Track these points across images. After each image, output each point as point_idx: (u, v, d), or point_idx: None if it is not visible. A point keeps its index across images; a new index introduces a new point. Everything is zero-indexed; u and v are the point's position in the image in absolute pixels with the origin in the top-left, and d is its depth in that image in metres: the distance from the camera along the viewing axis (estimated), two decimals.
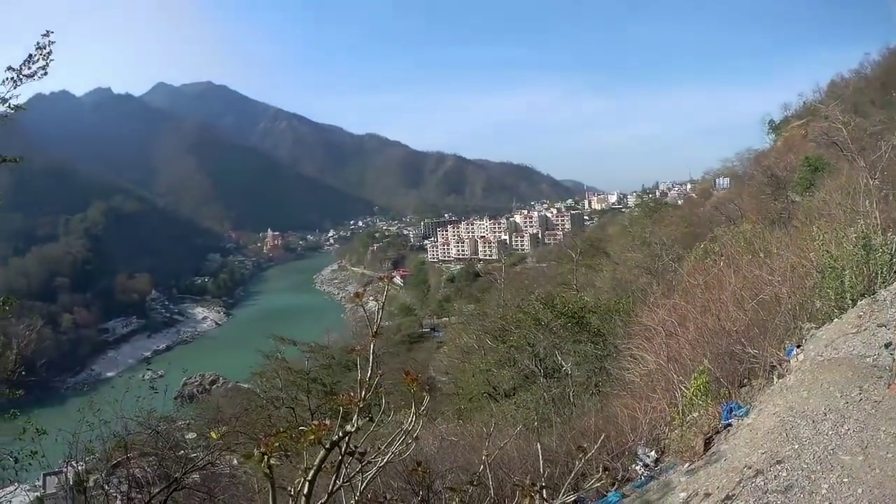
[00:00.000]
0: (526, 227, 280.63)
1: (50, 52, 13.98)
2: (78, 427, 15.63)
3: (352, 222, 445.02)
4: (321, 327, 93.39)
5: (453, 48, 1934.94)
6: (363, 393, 5.08)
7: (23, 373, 14.70)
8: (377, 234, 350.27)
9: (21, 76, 14.04)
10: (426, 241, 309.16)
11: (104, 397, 17.87)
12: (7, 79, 14.09)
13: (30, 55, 13.99)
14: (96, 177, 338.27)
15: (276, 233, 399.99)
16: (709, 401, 16.19)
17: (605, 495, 14.84)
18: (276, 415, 45.13)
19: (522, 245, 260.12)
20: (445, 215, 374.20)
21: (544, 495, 5.98)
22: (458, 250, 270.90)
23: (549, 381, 34.99)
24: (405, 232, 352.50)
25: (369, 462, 5.17)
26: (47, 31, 14.11)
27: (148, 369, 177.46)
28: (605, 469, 13.41)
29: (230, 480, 24.79)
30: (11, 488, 16.67)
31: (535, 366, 36.95)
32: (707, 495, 12.03)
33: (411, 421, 5.36)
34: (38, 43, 14.02)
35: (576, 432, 19.74)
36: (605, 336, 34.55)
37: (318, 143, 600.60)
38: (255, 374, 58.49)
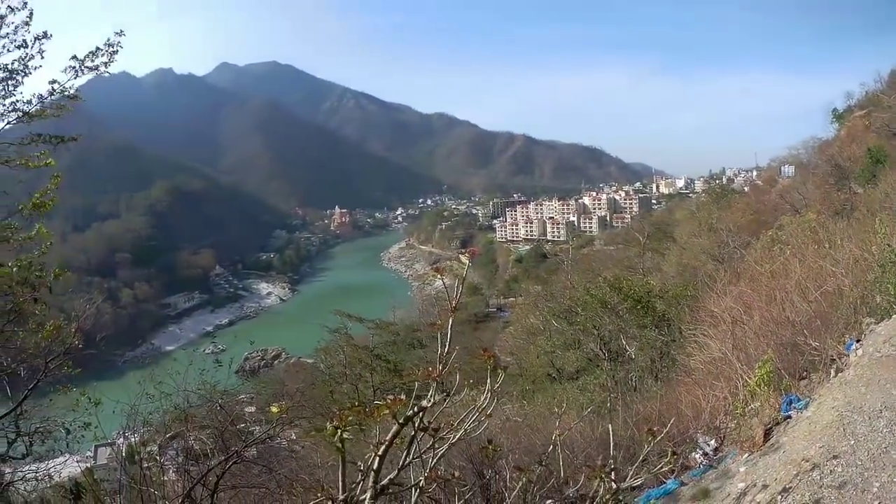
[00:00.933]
0: (594, 209, 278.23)
1: (117, 52, 14.35)
2: (137, 399, 15.93)
3: (420, 201, 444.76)
4: (387, 304, 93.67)
5: (524, 28, 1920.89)
6: (441, 368, 5.10)
7: (80, 346, 14.83)
8: (446, 213, 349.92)
9: (83, 67, 14.43)
10: (495, 221, 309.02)
11: (163, 370, 18.19)
12: (69, 67, 14.51)
13: (96, 48, 14.34)
14: (159, 156, 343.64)
15: (344, 210, 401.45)
16: (770, 391, 16.12)
17: (664, 482, 14.93)
18: (339, 390, 45.63)
19: (591, 227, 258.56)
20: (514, 195, 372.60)
21: (612, 477, 5.96)
22: (527, 231, 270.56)
23: (612, 364, 34.95)
24: (474, 211, 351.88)
25: (441, 438, 5.25)
26: (121, 31, 14.49)
27: (213, 342, 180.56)
28: (674, 454, 13.58)
29: (289, 454, 25.08)
30: (62, 459, 17.01)
31: (600, 349, 36.88)
32: (765, 486, 12.01)
33: (486, 398, 5.38)
34: (108, 39, 14.37)
35: (639, 417, 19.72)
36: (670, 321, 34.34)
37: (386, 122, 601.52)
38: (319, 349, 59.12)
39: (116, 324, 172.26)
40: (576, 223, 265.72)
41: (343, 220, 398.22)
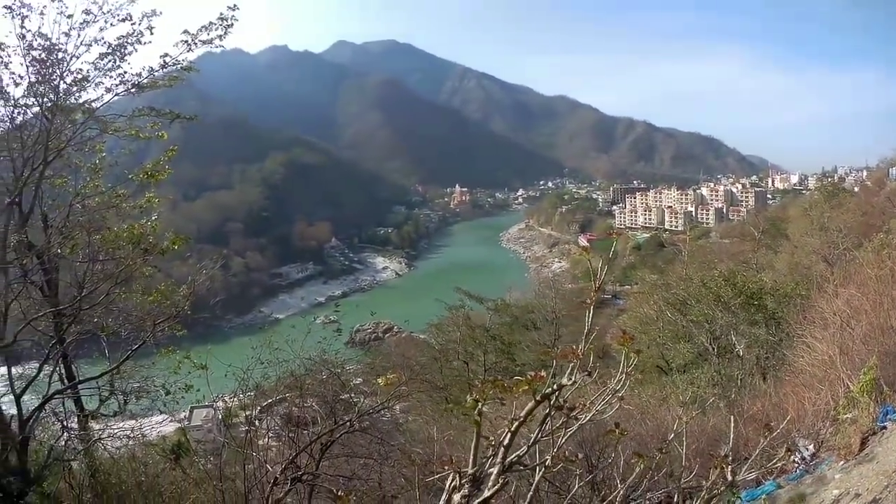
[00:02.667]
0: (711, 200, 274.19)
1: (231, 25, 14.78)
2: (242, 363, 16.15)
3: (541, 183, 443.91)
4: (503, 284, 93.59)
5: (643, 13, 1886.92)
6: (584, 346, 5.21)
7: (188, 311, 15.30)
8: (566, 196, 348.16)
9: (196, 41, 14.92)
10: (614, 207, 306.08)
11: (271, 337, 18.48)
12: (181, 41, 15.03)
13: (210, 23, 14.81)
14: (274, 130, 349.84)
15: (465, 189, 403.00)
16: (870, 400, 15.84)
17: (762, 483, 14.85)
18: (449, 367, 46.04)
19: (707, 219, 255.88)
20: (634, 182, 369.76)
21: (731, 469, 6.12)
22: (645, 218, 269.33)
23: (720, 360, 34.60)
24: (594, 196, 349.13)
25: (574, 418, 5.31)
26: (234, 5, 14.93)
27: (336, 310, 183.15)
28: (789, 450, 13.48)
29: (395, 428, 25.31)
30: (159, 418, 17.47)
31: (710, 343, 36.42)
32: (857, 496, 11.86)
33: (619, 380, 5.47)
34: (221, 14, 14.83)
35: (747, 416, 19.56)
36: (780, 320, 33.79)
37: (507, 103, 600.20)
38: (432, 325, 59.63)
39: (226, 291, 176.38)
40: (693, 214, 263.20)
41: (463, 198, 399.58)
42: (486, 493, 5.07)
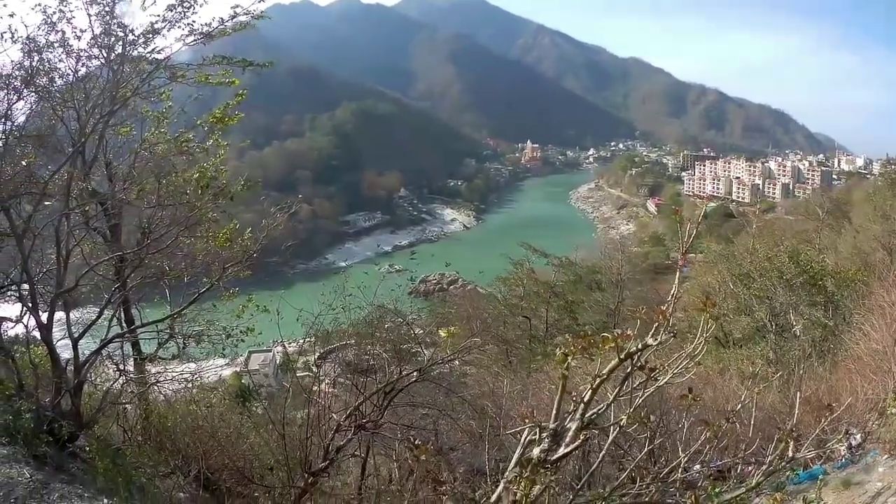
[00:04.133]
0: (778, 175, 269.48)
1: None
2: (320, 309, 16.14)
3: (612, 144, 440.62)
4: (570, 243, 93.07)
5: None
6: (671, 307, 5.30)
7: (255, 255, 15.39)
8: (636, 159, 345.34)
9: None
10: (683, 174, 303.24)
11: (344, 282, 18.43)
12: None
13: None
14: (346, 81, 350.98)
15: (536, 145, 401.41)
16: None
17: (810, 467, 14.73)
18: (512, 323, 46.15)
19: (774, 193, 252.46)
20: (704, 150, 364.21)
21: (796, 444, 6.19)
22: (714, 187, 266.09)
23: (777, 338, 34.19)
24: (664, 161, 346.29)
25: (653, 379, 5.38)
26: None
27: (412, 257, 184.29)
28: (847, 432, 13.38)
29: (458, 380, 25.31)
30: (217, 362, 17.66)
31: (769, 320, 36.02)
32: None
33: (697, 344, 5.53)
34: None
35: (802, 398, 19.37)
36: (838, 304, 33.35)
37: (581, 63, 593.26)
38: (499, 279, 59.72)
39: (293, 237, 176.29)
40: (760, 187, 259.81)
41: (534, 154, 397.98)
42: (565, 449, 5.28)
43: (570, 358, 4.87)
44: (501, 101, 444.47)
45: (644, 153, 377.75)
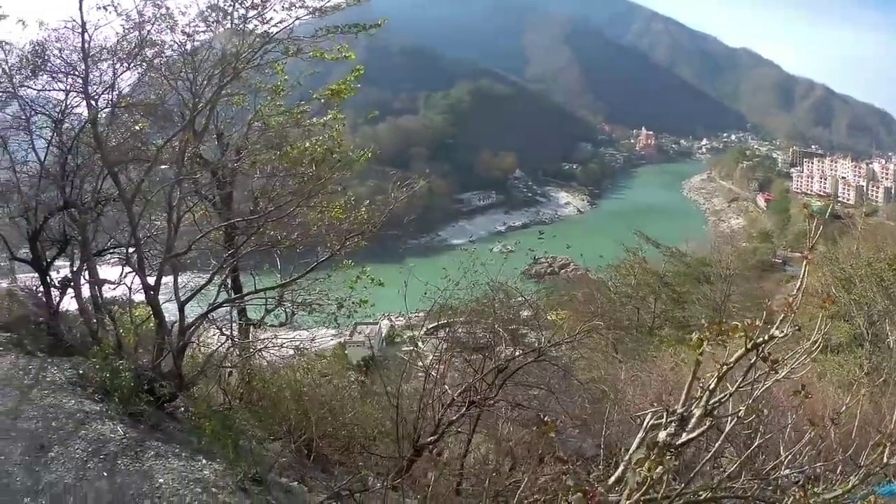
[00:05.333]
0: (882, 178, 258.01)
1: None
2: (417, 284, 15.66)
3: (724, 135, 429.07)
4: (680, 233, 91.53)
5: None
6: (797, 301, 5.15)
7: (373, 228, 15.20)
8: (748, 152, 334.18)
9: None
10: (792, 170, 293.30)
11: (447, 261, 18.11)
12: None
13: None
14: (460, 60, 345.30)
15: (650, 132, 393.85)
16: None
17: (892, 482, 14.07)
18: (621, 311, 45.64)
19: (877, 196, 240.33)
20: (811, 146, 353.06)
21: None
22: (820, 186, 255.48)
23: (871, 348, 33.05)
24: (773, 155, 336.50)
25: (773, 371, 5.26)
26: None
27: (540, 238, 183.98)
28: None
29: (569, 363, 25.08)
30: (327, 331, 17.65)
31: (865, 328, 34.70)
32: None
33: (814, 340, 5.38)
34: None
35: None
36: None
37: (693, 51, 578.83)
38: (612, 266, 59.02)
39: (408, 212, 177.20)
40: (864, 189, 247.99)
41: (648, 142, 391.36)
42: (687, 436, 5.23)
43: (705, 343, 4.81)
44: (616, 87, 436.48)
45: (755, 146, 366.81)
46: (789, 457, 6.30)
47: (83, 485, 9.15)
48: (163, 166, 14.78)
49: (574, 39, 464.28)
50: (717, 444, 6.08)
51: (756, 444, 6.81)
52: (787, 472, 6.14)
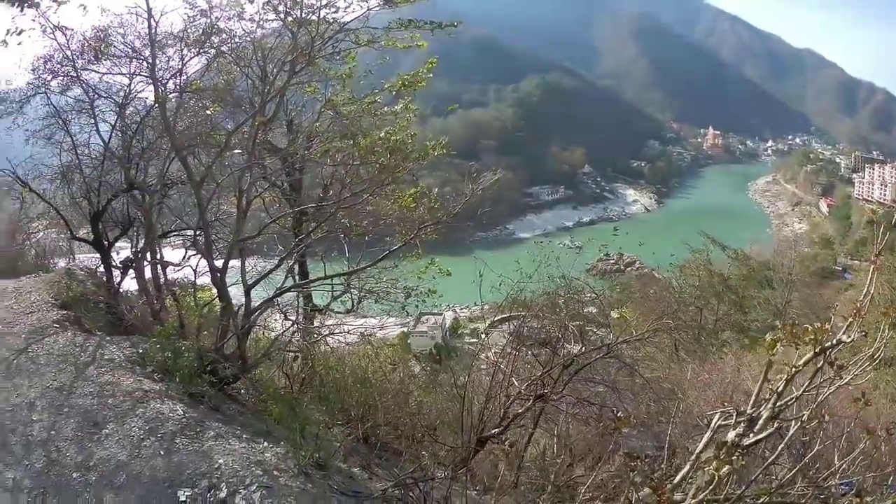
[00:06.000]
0: None
1: None
2: (484, 276, 15.02)
3: (789, 137, 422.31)
4: (744, 236, 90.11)
5: None
6: (865, 306, 5.20)
7: (451, 217, 15.08)
8: (811, 156, 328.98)
9: None
10: (854, 175, 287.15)
11: (514, 254, 17.94)
12: None
13: None
14: (528, 54, 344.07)
15: (717, 132, 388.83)
16: None
17: None
18: (685, 311, 45.06)
19: None
20: (873, 152, 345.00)
21: None
22: (881, 193, 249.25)
23: None
24: (837, 160, 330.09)
25: (839, 376, 5.28)
26: None
27: (614, 234, 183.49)
28: None
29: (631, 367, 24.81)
30: (391, 320, 17.63)
31: None
32: None
33: (877, 347, 5.38)
34: None
35: None
36: None
37: (759, 50, 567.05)
38: (677, 266, 58.42)
39: (479, 205, 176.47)
40: None
41: (716, 141, 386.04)
42: (754, 437, 5.37)
43: (778, 345, 4.94)
44: (684, 84, 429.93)
45: (818, 150, 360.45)
46: (843, 466, 6.27)
47: (137, 462, 9.13)
48: (234, 151, 14.82)
49: (643, 35, 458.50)
50: (779, 448, 5.93)
51: (815, 450, 6.73)
52: (837, 482, 6.09)
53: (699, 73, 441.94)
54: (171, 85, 14.56)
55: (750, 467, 5.80)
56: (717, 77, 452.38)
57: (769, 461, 5.98)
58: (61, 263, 21.11)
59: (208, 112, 15.27)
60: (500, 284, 15.30)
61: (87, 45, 15.22)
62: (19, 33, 12.71)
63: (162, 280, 15.97)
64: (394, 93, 17.40)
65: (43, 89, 16.67)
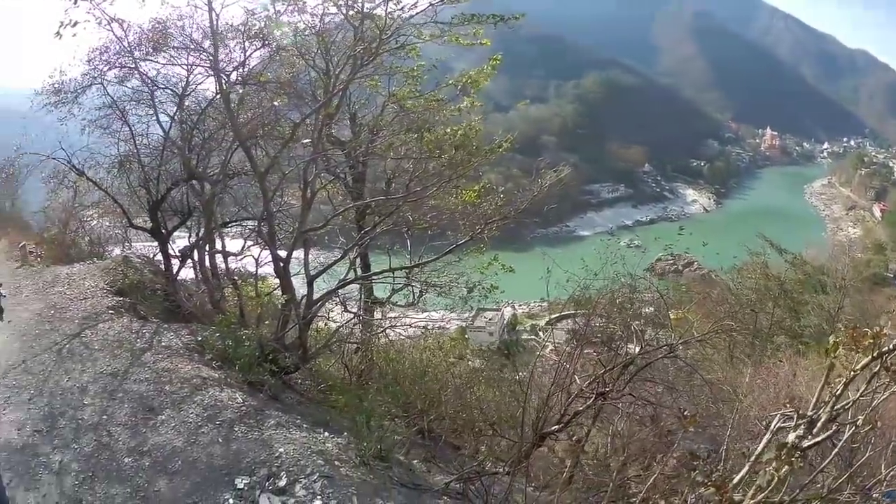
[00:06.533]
0: None
1: None
2: (546, 273, 15.36)
3: (844, 139, 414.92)
4: (799, 239, 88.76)
5: None
6: None
7: (518, 213, 15.15)
8: (866, 159, 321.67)
9: None
10: None
11: (575, 252, 17.77)
12: None
13: None
14: (589, 50, 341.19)
15: (775, 133, 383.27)
16: None
17: None
18: (741, 314, 44.55)
19: None
20: None
21: None
22: None
23: None
24: (890, 164, 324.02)
25: (893, 381, 5.09)
26: None
27: (680, 233, 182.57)
28: None
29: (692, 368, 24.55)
30: (449, 314, 17.51)
31: None
32: None
33: None
34: None
35: None
36: None
37: (813, 50, 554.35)
38: (736, 268, 57.88)
39: (543, 201, 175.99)
40: None
41: (773, 142, 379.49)
42: (811, 440, 5.26)
43: (840, 348, 4.88)
44: (741, 83, 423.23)
45: (873, 153, 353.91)
46: (891, 474, 6.25)
47: (194, 449, 9.13)
48: (303, 142, 14.79)
49: (700, 34, 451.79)
50: (832, 452, 5.74)
51: (866, 455, 6.91)
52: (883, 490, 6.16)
53: (756, 72, 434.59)
54: (233, 76, 14.58)
55: (797, 472, 5.69)
56: (773, 77, 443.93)
57: (824, 464, 5.91)
58: (116, 251, 21.33)
59: (276, 104, 15.27)
60: (567, 281, 15.32)
61: (145, 36, 15.34)
62: (74, 25, 12.80)
63: (221, 269, 16.06)
64: (458, 88, 17.22)
65: (99, 80, 16.95)
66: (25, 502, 8.30)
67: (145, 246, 21.09)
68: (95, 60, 16.27)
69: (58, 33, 12.65)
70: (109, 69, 16.50)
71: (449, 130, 15.94)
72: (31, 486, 8.58)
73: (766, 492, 5.13)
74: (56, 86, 16.79)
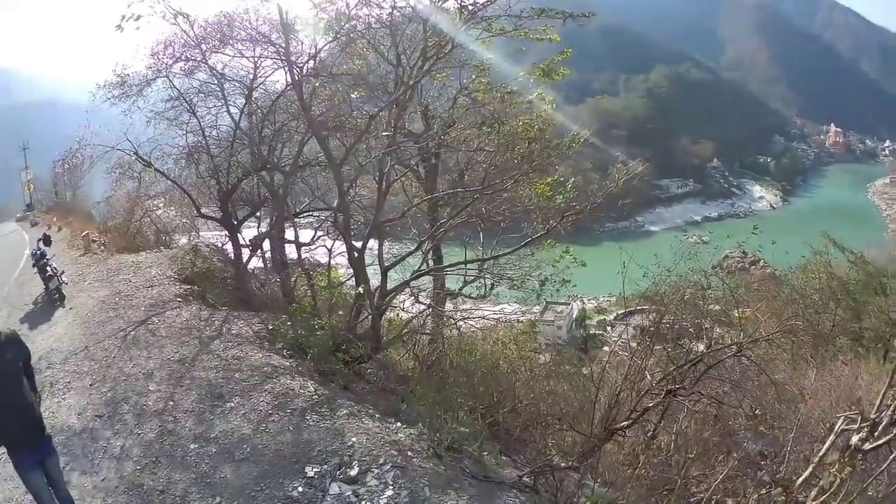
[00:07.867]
0: None
1: None
2: (617, 268, 15.20)
3: None
4: (860, 239, 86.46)
5: None
6: None
7: (595, 207, 14.47)
8: None
9: None
10: None
11: (645, 247, 17.45)
12: None
13: None
14: (658, 43, 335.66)
15: (839, 129, 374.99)
16: None
17: None
18: (804, 315, 43.60)
19: None
20: None
21: None
22: None
23: None
24: None
25: None
26: None
27: (753, 232, 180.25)
28: None
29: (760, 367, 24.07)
30: (518, 307, 17.25)
31: None
32: None
33: None
34: None
35: None
36: None
37: (873, 44, 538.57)
38: (800, 267, 56.61)
39: (607, 196, 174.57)
40: None
41: (837, 139, 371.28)
42: (873, 443, 5.23)
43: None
44: (806, 78, 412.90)
45: None
46: None
47: (263, 437, 9.02)
48: (382, 134, 14.66)
49: (764, 27, 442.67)
50: (892, 456, 5.61)
51: None
52: None
53: (818, 66, 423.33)
54: (305, 69, 14.47)
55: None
56: (834, 71, 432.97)
57: (884, 466, 5.77)
58: (182, 241, 21.48)
59: (353, 95, 15.21)
60: (644, 276, 14.98)
61: (211, 30, 15.38)
62: (137, 19, 12.77)
63: (292, 259, 16.06)
64: (531, 81, 16.91)
65: (164, 73, 17.14)
66: (82, 486, 8.24)
67: (213, 235, 21.22)
68: (160, 54, 16.49)
69: (119, 26, 12.59)
70: (175, 62, 16.69)
71: (523, 122, 15.66)
72: (88, 469, 8.58)
73: (828, 493, 5.10)
74: (121, 78, 17.02)
